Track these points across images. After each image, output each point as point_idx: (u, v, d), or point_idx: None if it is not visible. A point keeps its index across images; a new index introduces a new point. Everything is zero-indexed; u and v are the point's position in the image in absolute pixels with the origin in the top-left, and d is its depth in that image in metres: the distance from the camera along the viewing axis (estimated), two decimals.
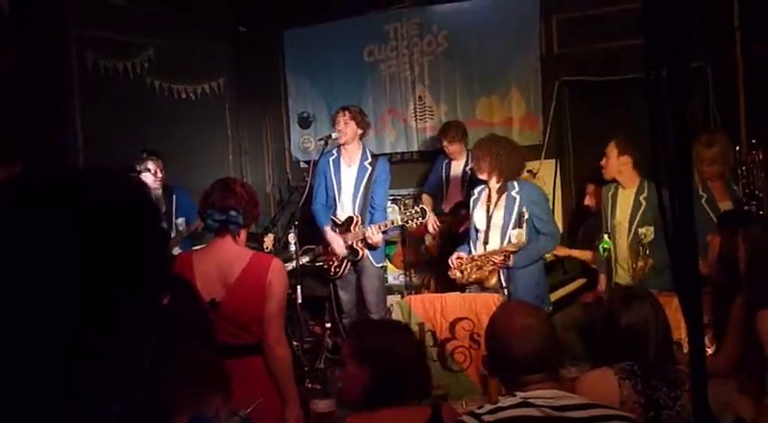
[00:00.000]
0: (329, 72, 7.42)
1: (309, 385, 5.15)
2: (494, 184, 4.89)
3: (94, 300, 0.83)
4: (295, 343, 5.36)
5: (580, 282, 5.86)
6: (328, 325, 6.00)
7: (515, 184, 4.89)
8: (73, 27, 6.34)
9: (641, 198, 4.91)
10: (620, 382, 2.56)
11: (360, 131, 5.78)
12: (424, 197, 6.53)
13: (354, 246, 5.65)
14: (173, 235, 5.76)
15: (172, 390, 1.74)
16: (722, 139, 4.90)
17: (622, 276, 4.95)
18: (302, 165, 7.58)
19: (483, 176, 4.91)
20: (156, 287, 0.92)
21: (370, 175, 5.72)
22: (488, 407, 2.14)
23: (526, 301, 4.43)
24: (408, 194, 6.97)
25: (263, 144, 7.87)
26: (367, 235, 5.54)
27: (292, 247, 5.50)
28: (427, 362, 2.95)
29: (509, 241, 4.78)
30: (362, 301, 5.78)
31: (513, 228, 4.79)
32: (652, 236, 4.65)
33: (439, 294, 4.90)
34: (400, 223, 5.56)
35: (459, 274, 4.90)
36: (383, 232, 5.59)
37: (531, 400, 2.10)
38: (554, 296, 5.45)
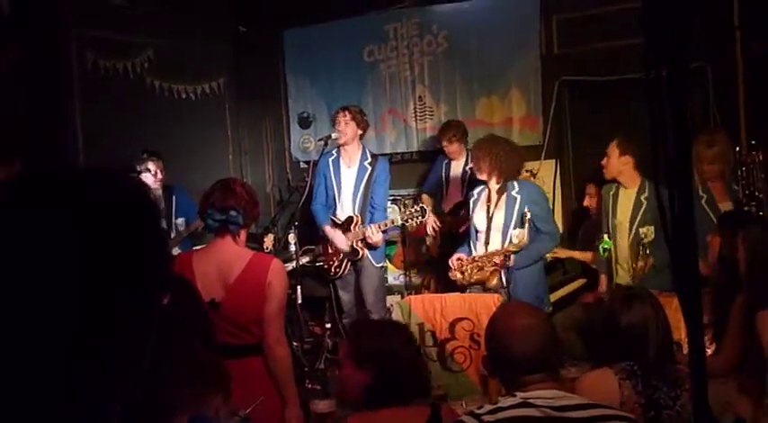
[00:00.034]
0: (329, 72, 7.42)
1: (309, 385, 5.15)
2: (493, 185, 4.89)
3: (94, 300, 0.83)
4: (295, 343, 5.36)
5: (580, 282, 5.86)
6: (328, 325, 6.00)
7: (515, 183, 4.89)
8: (73, 27, 6.35)
9: (642, 197, 4.91)
10: (621, 382, 2.55)
11: (360, 132, 5.79)
12: (424, 197, 6.53)
13: (354, 245, 5.65)
14: (172, 235, 5.76)
15: (172, 390, 1.74)
16: (722, 139, 4.90)
17: (623, 276, 4.95)
18: (302, 165, 7.58)
19: (482, 177, 4.91)
20: (156, 287, 0.92)
21: (370, 175, 5.72)
22: (488, 407, 2.14)
23: (526, 301, 4.43)
24: (408, 195, 6.97)
25: (263, 144, 7.88)
26: (367, 234, 5.54)
27: (292, 248, 5.51)
28: (425, 361, 2.95)
29: (510, 241, 4.78)
30: (362, 302, 5.77)
31: (515, 228, 4.79)
32: (653, 236, 4.65)
33: (439, 294, 4.90)
34: (400, 222, 5.56)
35: (459, 276, 4.89)
36: (383, 232, 5.59)
37: (531, 401, 2.10)
38: (554, 296, 5.45)
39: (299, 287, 5.25)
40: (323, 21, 7.32)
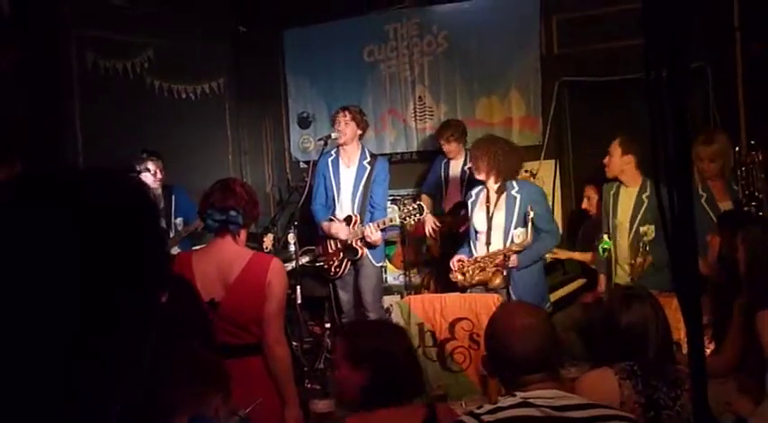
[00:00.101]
0: (329, 72, 7.42)
1: (309, 385, 5.15)
2: (492, 185, 4.88)
3: (94, 300, 0.83)
4: (294, 343, 5.36)
5: (580, 282, 5.86)
6: (328, 325, 6.00)
7: (514, 183, 4.89)
8: (73, 27, 6.35)
9: (644, 196, 4.91)
10: (621, 382, 2.56)
11: (359, 132, 5.79)
12: (423, 198, 6.52)
13: (354, 245, 5.65)
14: (171, 235, 5.76)
15: (172, 390, 1.74)
16: (721, 137, 4.90)
17: (622, 276, 4.95)
18: (302, 165, 7.58)
19: (481, 177, 4.90)
20: (156, 287, 0.92)
21: (369, 174, 5.72)
22: (488, 407, 2.14)
23: (526, 301, 4.44)
24: (408, 195, 6.97)
25: (262, 144, 7.87)
26: (366, 233, 5.54)
27: (292, 248, 5.51)
28: (421, 361, 2.96)
29: (512, 241, 4.78)
30: (360, 301, 5.78)
31: (515, 227, 4.79)
32: (653, 235, 4.65)
33: (438, 295, 4.90)
34: (398, 220, 5.56)
35: (460, 277, 4.89)
36: (381, 230, 5.59)
37: (530, 400, 2.10)
38: (554, 296, 5.45)
39: (298, 287, 5.26)
40: (323, 21, 7.32)
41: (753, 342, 3.12)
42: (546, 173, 6.48)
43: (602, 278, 5.22)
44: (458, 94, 6.92)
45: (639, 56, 1.00)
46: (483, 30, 6.72)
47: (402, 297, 5.68)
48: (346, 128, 5.71)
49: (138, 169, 5.68)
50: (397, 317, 4.61)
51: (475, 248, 4.95)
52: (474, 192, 5.06)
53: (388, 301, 5.99)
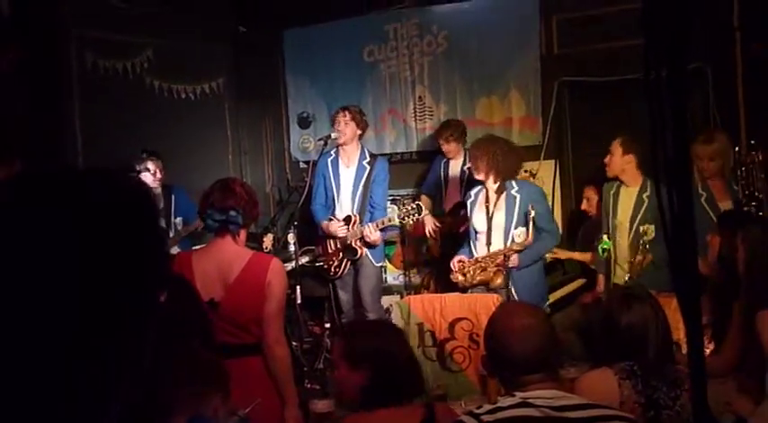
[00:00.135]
0: (329, 72, 7.42)
1: (308, 385, 5.15)
2: (491, 185, 4.88)
3: (94, 300, 0.83)
4: (294, 343, 5.36)
5: (579, 282, 5.86)
6: (327, 325, 6.01)
7: (513, 183, 4.90)
8: (73, 27, 6.35)
9: (644, 196, 4.91)
10: (620, 382, 2.56)
11: (359, 132, 5.80)
12: (423, 198, 6.52)
13: (353, 244, 5.65)
14: (171, 234, 5.76)
15: (172, 390, 1.74)
16: (721, 137, 4.90)
17: (621, 276, 4.95)
18: (302, 165, 7.58)
19: (480, 177, 4.90)
20: (156, 287, 0.92)
21: (369, 174, 5.72)
22: (487, 407, 2.14)
23: (526, 301, 4.44)
24: (408, 195, 6.97)
25: (262, 144, 7.87)
26: (365, 233, 5.54)
27: (292, 248, 5.51)
28: (419, 361, 2.96)
29: (512, 241, 4.78)
30: (360, 301, 5.78)
31: (516, 227, 4.79)
32: (653, 234, 4.64)
33: (438, 294, 4.90)
34: (397, 220, 5.56)
35: (461, 278, 4.89)
36: (381, 230, 5.60)
37: (530, 401, 2.10)
38: (553, 297, 5.45)
39: (298, 287, 5.26)
40: (323, 21, 7.32)
41: (752, 342, 3.12)
42: (546, 173, 6.48)
43: (601, 278, 5.22)
44: (458, 94, 6.93)
45: (639, 56, 1.00)
46: (483, 30, 6.72)
47: (402, 297, 5.68)
48: (346, 128, 5.72)
49: (137, 169, 5.68)
50: (396, 317, 4.61)
51: (475, 249, 4.95)
52: (473, 192, 5.06)
53: (387, 301, 5.99)
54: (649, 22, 1.00)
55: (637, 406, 2.51)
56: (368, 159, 5.78)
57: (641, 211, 4.88)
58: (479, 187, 5.01)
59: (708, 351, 3.51)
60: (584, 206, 5.84)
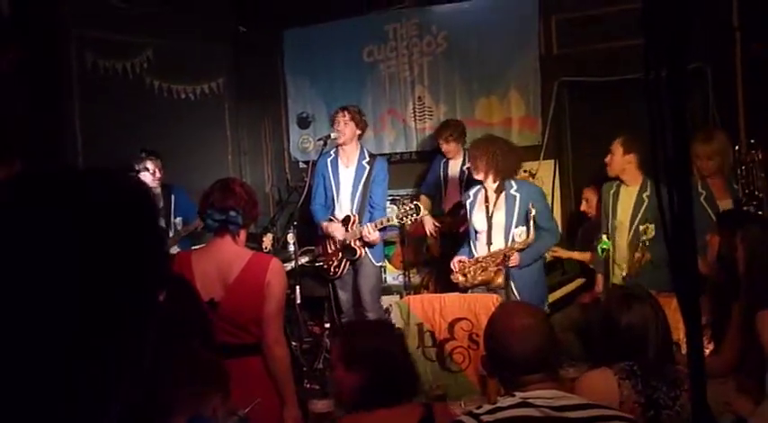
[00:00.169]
0: (329, 72, 7.42)
1: (308, 385, 5.15)
2: (491, 184, 4.88)
3: (94, 300, 0.83)
4: (294, 343, 5.36)
5: (579, 282, 5.86)
6: (327, 325, 6.01)
7: (513, 182, 4.90)
8: (72, 27, 6.35)
9: (644, 195, 4.91)
10: (620, 381, 2.55)
11: (358, 131, 5.80)
12: (423, 198, 6.52)
13: (352, 244, 5.65)
14: (170, 234, 5.76)
15: (172, 390, 1.74)
16: (720, 135, 4.90)
17: (619, 276, 4.95)
18: (301, 165, 7.58)
19: (479, 176, 4.90)
20: (156, 287, 0.92)
21: (368, 174, 5.72)
22: (487, 407, 2.14)
23: (525, 300, 4.44)
24: (407, 195, 6.96)
25: (262, 144, 7.87)
26: (363, 233, 5.55)
27: (291, 248, 5.51)
28: (415, 360, 2.96)
29: (513, 240, 4.78)
30: (359, 301, 5.78)
31: (516, 226, 4.79)
32: (653, 234, 4.64)
33: (438, 295, 4.90)
34: (395, 220, 5.56)
35: (462, 278, 4.88)
36: (380, 230, 5.60)
37: (530, 401, 2.10)
38: (552, 297, 5.45)
39: (297, 287, 5.26)
40: (323, 21, 7.32)
41: (752, 342, 3.12)
42: (545, 173, 6.48)
43: (600, 278, 5.22)
44: (457, 95, 6.93)
45: (639, 56, 1.00)
46: (482, 30, 6.73)
47: (401, 297, 5.67)
48: (345, 128, 5.72)
49: (137, 169, 5.68)
50: (396, 317, 4.61)
51: (475, 249, 4.95)
52: (472, 192, 5.06)
53: (387, 301, 5.99)
54: (649, 22, 1.00)
55: (636, 406, 2.51)
56: (367, 159, 5.79)
57: (641, 211, 4.88)
58: (478, 187, 5.01)
59: (707, 351, 3.51)
60: (583, 207, 5.85)
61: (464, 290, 4.87)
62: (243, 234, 3.29)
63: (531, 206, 4.67)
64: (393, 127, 7.24)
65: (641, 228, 4.73)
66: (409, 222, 5.63)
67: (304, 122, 7.64)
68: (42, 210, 0.84)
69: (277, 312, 3.20)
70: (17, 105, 5.56)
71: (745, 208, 4.46)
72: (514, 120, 6.70)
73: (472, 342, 4.32)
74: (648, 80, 0.97)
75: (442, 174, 6.44)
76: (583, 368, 3.47)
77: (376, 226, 5.54)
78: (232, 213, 3.18)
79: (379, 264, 5.86)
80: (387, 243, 6.30)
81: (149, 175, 5.71)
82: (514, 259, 4.73)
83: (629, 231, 4.92)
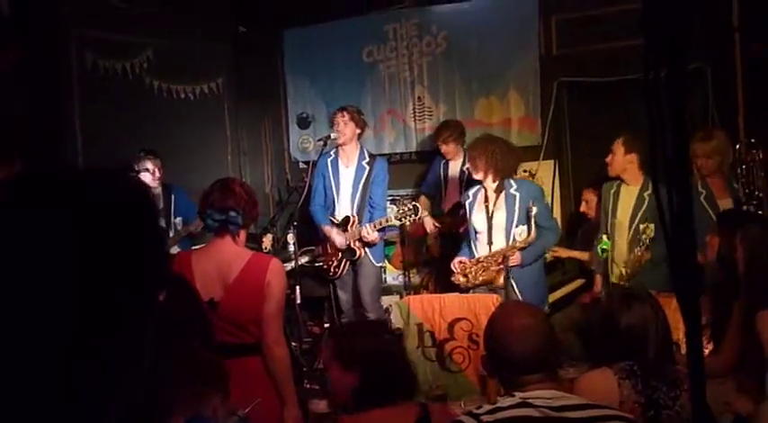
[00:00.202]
0: (328, 72, 7.42)
1: (308, 385, 5.15)
2: (490, 184, 4.88)
3: (94, 300, 0.83)
4: (294, 343, 5.36)
5: (578, 282, 5.86)
6: (327, 325, 6.01)
7: (512, 182, 4.90)
8: (72, 27, 6.35)
9: (645, 194, 4.91)
10: (620, 381, 2.55)
11: (358, 131, 5.80)
12: (422, 198, 6.52)
13: (352, 245, 5.65)
14: (171, 234, 5.76)
15: (172, 390, 1.74)
16: (720, 134, 4.90)
17: (618, 275, 4.95)
18: (301, 165, 7.58)
19: (479, 176, 4.90)
20: (156, 287, 0.92)
21: (368, 174, 5.72)
22: (487, 407, 2.14)
23: (526, 300, 4.44)
24: (407, 195, 6.97)
25: (262, 144, 7.87)
26: (363, 234, 5.55)
27: (291, 248, 5.51)
28: (411, 360, 2.96)
29: (514, 239, 4.77)
30: (359, 302, 5.78)
31: (517, 225, 4.78)
32: (652, 233, 4.64)
33: (438, 295, 4.90)
34: (394, 221, 5.55)
35: (463, 279, 4.88)
36: (379, 230, 5.60)
37: (529, 401, 2.10)
38: (552, 297, 5.45)
39: (297, 287, 5.26)
40: (323, 21, 7.32)
41: (752, 342, 3.12)
42: (545, 173, 6.48)
43: (598, 278, 5.21)
44: (457, 95, 6.93)
45: (639, 56, 1.00)
46: (482, 30, 6.72)
47: (401, 297, 5.68)
48: (345, 128, 5.72)
49: (136, 169, 5.68)
50: (396, 317, 4.61)
51: (476, 249, 4.94)
52: (471, 193, 5.05)
53: (387, 301, 5.99)
54: (649, 22, 1.00)
55: (636, 406, 2.52)
56: (367, 160, 5.79)
57: (641, 210, 4.88)
58: (477, 187, 5.00)
59: (707, 351, 3.51)
60: (582, 208, 5.84)
61: (464, 290, 4.86)
62: (243, 234, 3.29)
63: (531, 204, 4.66)
64: (393, 127, 7.24)
65: (641, 226, 4.73)
66: (408, 223, 5.63)
67: (304, 123, 7.64)
68: (42, 210, 0.84)
69: (277, 312, 3.20)
70: (17, 105, 5.56)
71: (745, 207, 4.46)
72: (514, 120, 6.69)
73: (472, 342, 4.32)
74: (648, 80, 0.97)
75: (442, 174, 6.44)
76: (583, 368, 3.47)
77: (375, 226, 5.54)
78: (232, 213, 3.18)
79: (379, 264, 5.86)
80: (387, 243, 6.30)
81: (149, 174, 5.71)
82: (516, 258, 4.73)
83: (629, 231, 4.92)
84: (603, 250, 4.98)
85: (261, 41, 7.59)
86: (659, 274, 4.41)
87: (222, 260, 3.20)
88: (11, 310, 0.80)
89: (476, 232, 4.95)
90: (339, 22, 7.27)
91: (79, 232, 0.83)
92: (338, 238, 5.68)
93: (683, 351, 2.89)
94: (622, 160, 5.01)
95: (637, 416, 2.43)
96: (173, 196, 5.93)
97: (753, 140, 4.70)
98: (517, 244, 4.74)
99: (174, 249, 5.22)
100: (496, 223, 4.83)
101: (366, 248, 5.67)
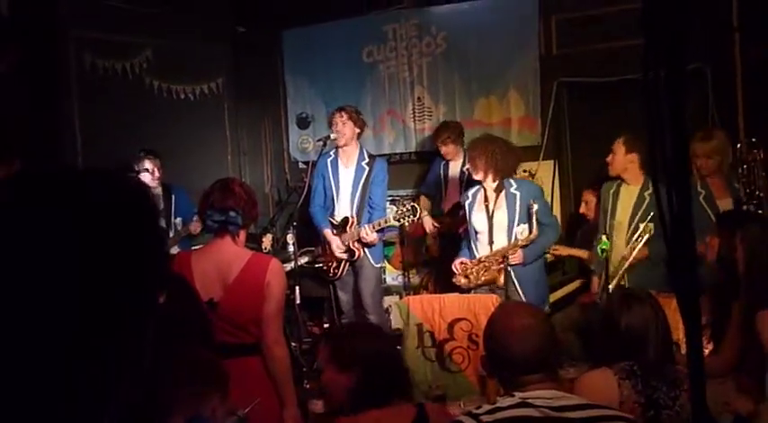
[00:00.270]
0: (328, 72, 7.42)
1: (307, 386, 5.14)
2: (490, 184, 4.88)
3: (94, 300, 0.83)
4: (293, 343, 5.36)
5: (578, 282, 5.86)
6: (327, 325, 6.00)
7: (512, 181, 4.90)
8: (72, 27, 6.35)
9: (646, 194, 4.90)
10: (620, 381, 2.56)
11: (357, 131, 5.79)
12: (422, 199, 6.53)
13: (351, 246, 5.65)
14: (171, 234, 5.76)
15: (172, 390, 1.74)
16: (719, 134, 4.90)
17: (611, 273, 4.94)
18: (301, 165, 7.58)
19: (478, 176, 4.90)
20: (156, 287, 0.92)
21: (368, 175, 5.72)
22: (487, 407, 2.14)
23: (527, 300, 4.44)
24: (407, 195, 6.97)
25: (261, 145, 7.87)
26: (361, 235, 5.55)
27: (291, 248, 5.52)
28: (405, 361, 2.97)
29: (515, 238, 4.77)
30: (360, 303, 5.78)
31: (518, 224, 4.78)
32: (652, 232, 4.64)
33: (437, 295, 4.90)
34: (393, 222, 5.55)
35: (464, 280, 4.87)
36: (378, 231, 5.60)
37: (529, 401, 2.10)
38: (553, 297, 5.44)
39: (297, 287, 5.26)
40: (322, 21, 7.32)
41: (752, 342, 3.12)
42: (545, 173, 6.48)
43: (595, 279, 5.21)
44: (456, 95, 6.93)
45: (639, 56, 1.00)
46: (482, 30, 6.72)
47: (401, 297, 5.67)
48: (344, 128, 5.71)
49: (136, 169, 5.68)
50: (395, 317, 4.62)
51: (476, 249, 4.94)
52: (470, 193, 5.05)
53: (386, 301, 6.00)
54: (649, 22, 1.00)
55: (636, 406, 2.52)
56: (367, 160, 5.78)
57: (641, 210, 4.87)
58: (476, 188, 5.00)
59: (707, 351, 3.51)
60: (582, 209, 5.84)
61: (464, 290, 4.86)
62: (242, 234, 3.29)
63: (532, 203, 4.67)
64: (392, 127, 7.24)
65: (641, 226, 4.73)
66: (407, 223, 5.63)
67: (303, 123, 7.64)
68: (42, 210, 0.84)
69: (276, 313, 3.20)
70: (17, 105, 5.56)
71: (745, 207, 4.45)
72: (514, 120, 6.70)
73: (472, 342, 4.32)
74: (648, 80, 0.97)
75: (442, 174, 6.44)
76: (583, 368, 3.47)
77: (374, 227, 5.54)
78: (232, 214, 3.18)
79: (379, 265, 5.86)
80: (386, 243, 6.30)
81: (149, 174, 5.71)
82: (517, 256, 4.72)
83: (628, 230, 4.91)
84: (603, 250, 4.97)
85: (260, 41, 7.59)
86: (658, 275, 4.41)
87: (222, 260, 3.20)
88: (11, 311, 0.80)
89: (476, 232, 4.95)
90: (339, 23, 7.27)
91: (79, 232, 0.83)
92: (335, 243, 5.68)
93: (683, 351, 2.90)
94: (623, 160, 5.01)
95: (637, 416, 2.43)
96: (173, 196, 5.93)
97: (753, 140, 4.69)
98: (519, 242, 4.74)
99: (174, 249, 5.22)
100: (497, 223, 4.83)
101: (365, 249, 5.67)
